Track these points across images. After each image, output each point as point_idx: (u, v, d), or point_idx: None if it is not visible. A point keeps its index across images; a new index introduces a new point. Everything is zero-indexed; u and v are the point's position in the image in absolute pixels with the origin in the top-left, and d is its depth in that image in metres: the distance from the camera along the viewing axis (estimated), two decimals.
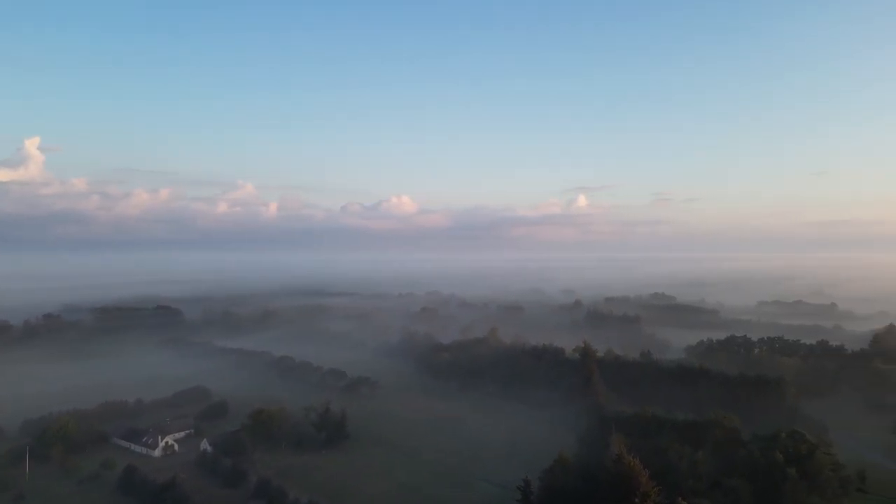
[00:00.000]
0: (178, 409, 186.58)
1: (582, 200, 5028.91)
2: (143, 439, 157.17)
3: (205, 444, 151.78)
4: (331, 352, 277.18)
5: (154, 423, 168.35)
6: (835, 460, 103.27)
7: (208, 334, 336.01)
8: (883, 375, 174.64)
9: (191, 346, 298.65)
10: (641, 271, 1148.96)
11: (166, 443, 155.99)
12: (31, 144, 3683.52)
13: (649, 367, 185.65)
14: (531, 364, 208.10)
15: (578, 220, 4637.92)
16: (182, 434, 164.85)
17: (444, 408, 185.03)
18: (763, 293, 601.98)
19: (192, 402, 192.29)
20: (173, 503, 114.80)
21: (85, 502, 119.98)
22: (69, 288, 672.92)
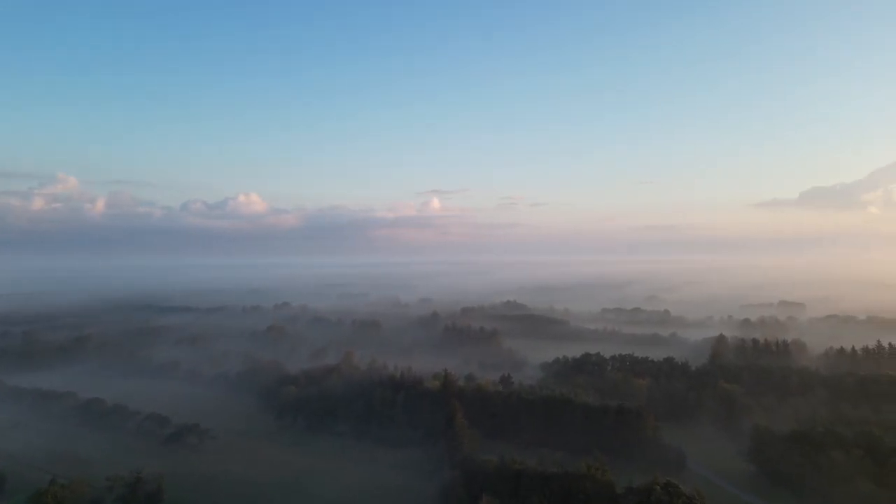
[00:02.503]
0: None
1: (436, 203, 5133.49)
2: None
3: None
4: (156, 388, 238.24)
5: None
6: None
7: None
8: (729, 397, 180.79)
9: None
10: (494, 277, 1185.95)
11: None
12: None
13: (511, 396, 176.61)
14: (389, 397, 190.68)
15: (433, 223, 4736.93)
16: None
17: (291, 459, 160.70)
18: (605, 299, 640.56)
19: None
20: None
21: None
22: None
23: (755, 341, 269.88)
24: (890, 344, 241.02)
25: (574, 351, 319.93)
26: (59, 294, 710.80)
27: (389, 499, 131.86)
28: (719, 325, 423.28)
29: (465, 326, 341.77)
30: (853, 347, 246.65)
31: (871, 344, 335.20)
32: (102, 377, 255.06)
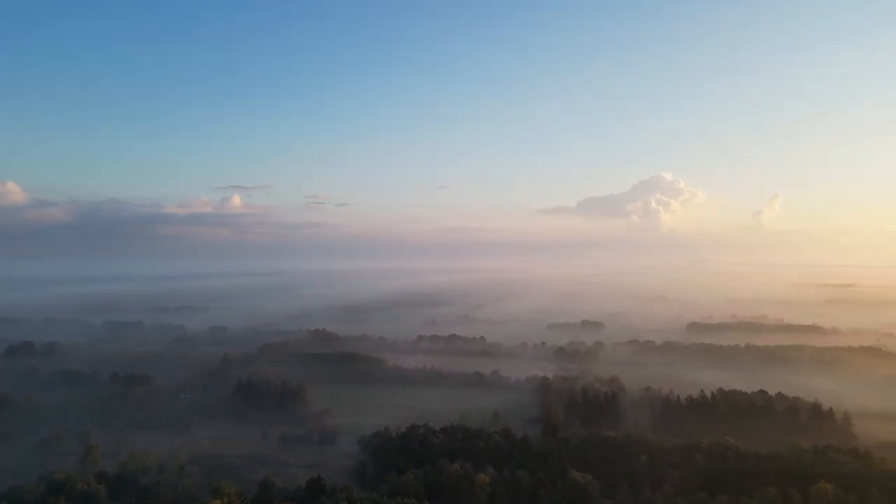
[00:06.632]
0: None
1: (237, 200, 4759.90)
2: None
3: None
4: None
5: None
6: None
7: None
8: (583, 494, 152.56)
9: None
10: (299, 292, 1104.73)
11: None
12: None
13: None
14: None
15: (233, 221, 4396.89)
16: None
17: None
18: (418, 320, 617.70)
19: None
20: None
21: None
22: None
23: (584, 391, 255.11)
24: (712, 393, 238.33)
25: (395, 404, 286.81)
26: None
27: None
28: (534, 355, 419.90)
29: (263, 381, 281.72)
30: (668, 399, 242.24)
31: (677, 374, 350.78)
32: None
